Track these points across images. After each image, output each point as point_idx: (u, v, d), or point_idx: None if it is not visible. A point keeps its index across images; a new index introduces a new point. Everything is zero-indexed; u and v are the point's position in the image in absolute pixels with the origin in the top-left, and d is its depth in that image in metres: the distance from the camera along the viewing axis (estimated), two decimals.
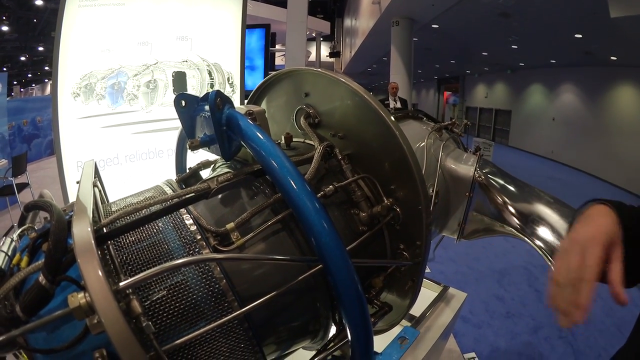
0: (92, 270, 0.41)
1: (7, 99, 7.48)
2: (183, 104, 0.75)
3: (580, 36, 7.52)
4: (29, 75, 22.29)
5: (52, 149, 9.81)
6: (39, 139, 9.66)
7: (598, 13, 5.60)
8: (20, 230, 0.67)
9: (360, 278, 0.59)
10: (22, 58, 18.68)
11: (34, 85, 24.25)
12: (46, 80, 23.16)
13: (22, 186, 5.07)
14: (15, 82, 20.60)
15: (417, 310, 1.55)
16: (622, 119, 8.64)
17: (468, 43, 10.96)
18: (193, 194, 0.64)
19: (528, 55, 11.01)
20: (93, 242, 0.44)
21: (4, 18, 14.02)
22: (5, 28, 14.38)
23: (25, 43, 16.78)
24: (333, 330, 0.81)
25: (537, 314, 3.26)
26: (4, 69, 16.61)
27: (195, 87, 2.60)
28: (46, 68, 20.51)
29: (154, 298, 0.54)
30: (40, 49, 17.92)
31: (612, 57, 8.30)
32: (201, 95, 0.73)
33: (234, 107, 0.68)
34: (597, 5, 5.31)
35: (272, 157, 0.58)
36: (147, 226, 0.61)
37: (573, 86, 10.76)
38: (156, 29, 2.43)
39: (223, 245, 0.63)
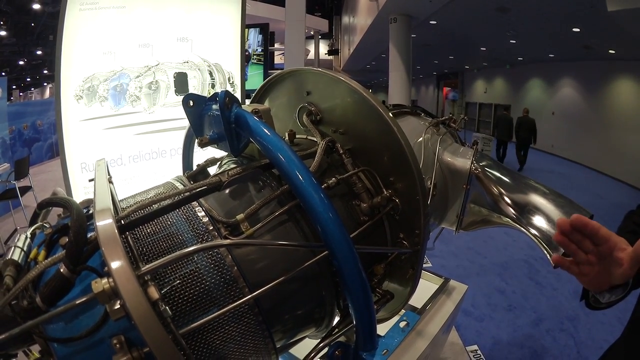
0: (116, 256, 0.44)
1: (7, 103, 7.51)
2: (191, 104, 0.78)
3: (578, 30, 7.51)
4: (28, 79, 22.29)
5: (52, 152, 9.85)
6: (39, 142, 9.68)
7: (595, 6, 5.61)
8: (33, 227, 0.69)
9: (363, 265, 0.62)
10: (21, 62, 18.65)
11: (33, 89, 24.23)
12: (45, 84, 23.15)
13: (25, 189, 5.11)
14: (14, 87, 20.62)
15: (418, 301, 1.58)
16: (621, 112, 8.64)
17: (466, 39, 10.94)
18: (206, 187, 0.68)
19: (527, 50, 10.99)
20: (116, 230, 0.47)
21: (2, 23, 14.01)
22: (3, 33, 14.38)
23: (23, 47, 16.77)
24: (336, 322, 0.84)
25: (538, 306, 3.29)
26: (3, 74, 16.59)
27: (197, 87, 2.62)
28: (45, 72, 20.50)
29: (170, 285, 0.58)
30: (39, 52, 17.91)
31: (610, 51, 8.29)
32: (202, 96, 0.77)
33: (241, 106, 0.71)
34: None
35: (280, 151, 0.62)
36: (161, 219, 0.64)
37: (572, 80, 10.75)
38: (157, 30, 2.45)
39: (234, 235, 0.67)
